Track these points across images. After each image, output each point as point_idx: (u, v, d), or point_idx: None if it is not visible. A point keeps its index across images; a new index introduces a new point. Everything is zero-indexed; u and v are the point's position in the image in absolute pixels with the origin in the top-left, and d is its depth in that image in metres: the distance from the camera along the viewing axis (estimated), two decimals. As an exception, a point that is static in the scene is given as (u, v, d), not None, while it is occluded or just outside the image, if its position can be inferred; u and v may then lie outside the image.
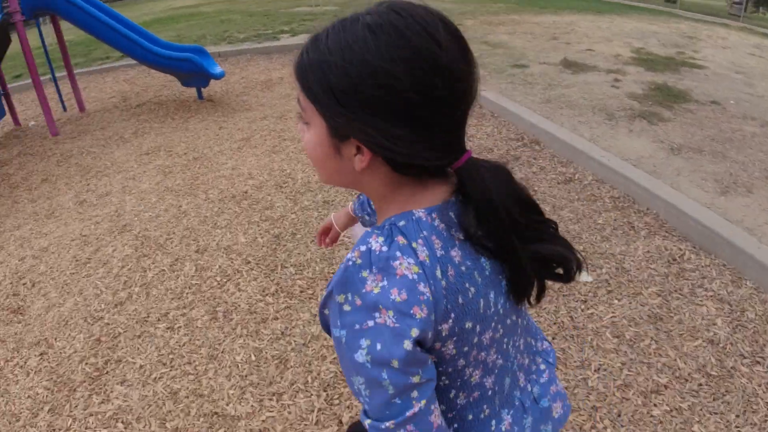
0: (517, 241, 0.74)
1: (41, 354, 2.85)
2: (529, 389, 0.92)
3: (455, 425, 0.84)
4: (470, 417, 0.84)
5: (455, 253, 0.73)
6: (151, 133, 5.86)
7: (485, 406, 0.84)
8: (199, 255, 3.46)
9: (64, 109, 7.55)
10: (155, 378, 2.60)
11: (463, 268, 0.73)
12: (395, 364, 0.67)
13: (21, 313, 3.18)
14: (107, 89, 8.49)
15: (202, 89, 7.13)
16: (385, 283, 0.67)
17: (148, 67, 7.14)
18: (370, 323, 0.67)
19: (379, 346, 0.67)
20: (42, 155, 5.66)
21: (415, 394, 0.69)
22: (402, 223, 0.72)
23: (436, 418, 0.72)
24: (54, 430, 2.41)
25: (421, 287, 0.67)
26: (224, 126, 5.92)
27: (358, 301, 0.68)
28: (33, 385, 2.66)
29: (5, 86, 7.00)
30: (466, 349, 0.75)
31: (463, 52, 0.70)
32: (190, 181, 4.53)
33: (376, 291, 0.67)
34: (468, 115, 0.73)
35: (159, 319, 2.95)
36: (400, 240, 0.70)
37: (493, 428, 0.85)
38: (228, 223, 3.79)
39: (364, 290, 0.67)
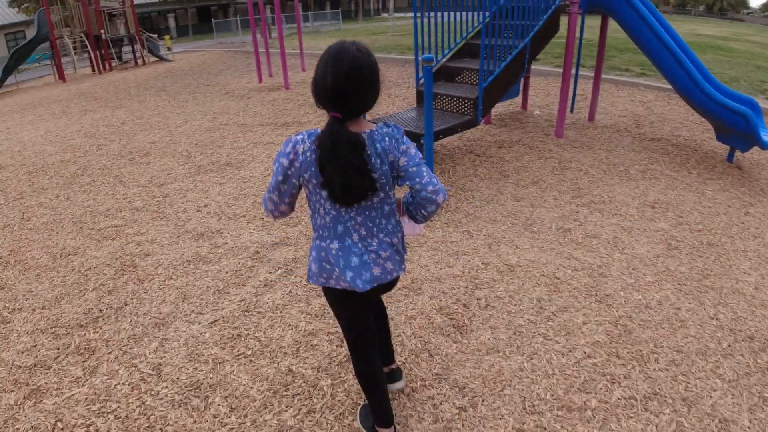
0: (333, 164, 1.60)
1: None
2: (360, 246, 1.74)
3: (318, 231, 1.78)
4: (320, 232, 1.77)
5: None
6: (661, 181, 4.83)
7: (324, 231, 1.75)
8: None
9: (572, 110, 7.21)
10: None
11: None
12: (276, 166, 1.68)
13: (461, 332, 2.72)
14: (619, 105, 7.82)
15: (737, 151, 5.66)
16: (289, 147, 1.66)
17: (686, 101, 6.03)
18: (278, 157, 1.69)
19: (276, 165, 1.67)
20: (540, 153, 5.33)
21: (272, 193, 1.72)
22: (311, 131, 1.66)
23: (278, 207, 1.75)
24: None
25: (298, 150, 1.64)
26: (751, 212, 4.43)
27: (282, 150, 1.67)
28: None
29: (529, 70, 7.00)
30: (311, 194, 1.72)
31: (348, 75, 1.55)
32: (699, 276, 3.34)
33: (288, 148, 1.66)
34: (348, 101, 1.59)
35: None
36: (305, 136, 1.65)
37: (327, 244, 1.75)
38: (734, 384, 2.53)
39: (286, 146, 1.66)
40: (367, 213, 1.72)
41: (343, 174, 1.58)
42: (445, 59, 5.38)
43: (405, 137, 1.72)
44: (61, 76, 15.38)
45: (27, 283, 3.51)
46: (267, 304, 2.95)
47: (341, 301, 1.85)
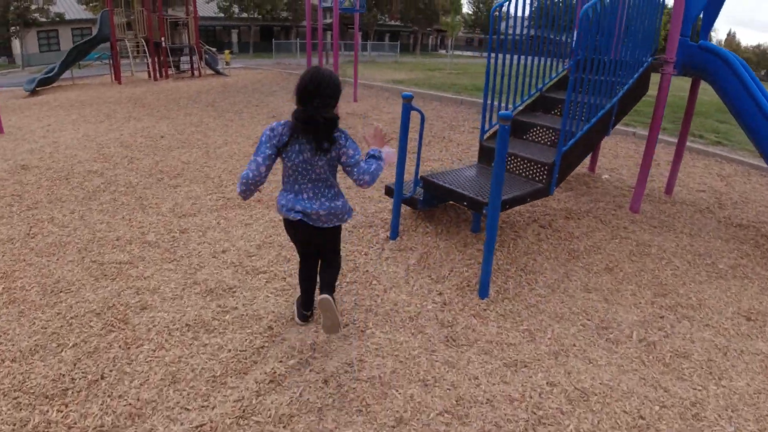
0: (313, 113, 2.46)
1: None
2: (306, 202, 2.57)
3: (284, 186, 2.65)
4: (285, 186, 2.64)
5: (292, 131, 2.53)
6: (755, 283, 3.99)
7: (287, 186, 2.62)
8: None
9: (645, 178, 6.43)
10: None
11: (295, 136, 2.48)
12: (263, 138, 2.51)
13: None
14: (696, 177, 7.01)
15: None
16: (269, 130, 2.52)
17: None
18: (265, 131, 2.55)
19: (263, 136, 2.52)
20: (613, 231, 4.60)
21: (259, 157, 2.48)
22: (288, 119, 2.53)
23: (260, 167, 2.48)
24: None
25: (276, 132, 2.50)
26: None
27: (265, 131, 2.54)
28: None
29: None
30: (285, 162, 2.55)
31: (319, 87, 2.42)
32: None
33: (268, 131, 2.53)
34: (321, 104, 2.42)
35: None
36: (281, 122, 2.53)
37: (287, 195, 2.63)
38: None
39: (268, 129, 2.53)
40: (317, 183, 2.58)
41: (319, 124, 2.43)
42: (515, 111, 4.75)
43: (349, 140, 2.54)
44: (118, 78, 15.45)
45: (7, 320, 3.01)
46: (269, 411, 2.31)
47: (286, 226, 2.72)
